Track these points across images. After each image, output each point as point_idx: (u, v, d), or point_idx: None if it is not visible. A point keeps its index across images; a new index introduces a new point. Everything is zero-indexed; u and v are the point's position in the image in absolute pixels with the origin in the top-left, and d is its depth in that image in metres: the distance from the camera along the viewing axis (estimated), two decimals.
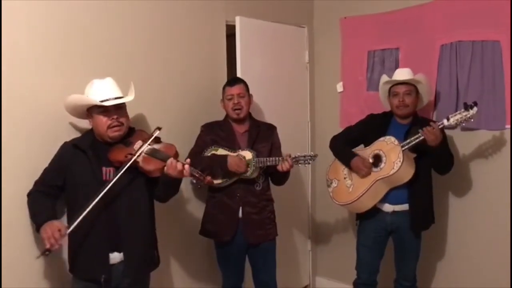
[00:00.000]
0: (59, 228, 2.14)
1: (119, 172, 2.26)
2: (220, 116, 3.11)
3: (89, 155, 2.34)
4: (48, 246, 2.11)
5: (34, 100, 2.43)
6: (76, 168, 2.34)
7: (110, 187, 2.23)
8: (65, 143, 2.43)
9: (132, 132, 2.50)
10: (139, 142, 2.39)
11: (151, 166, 2.33)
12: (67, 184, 2.37)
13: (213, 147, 2.96)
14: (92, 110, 2.38)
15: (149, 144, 2.38)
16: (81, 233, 2.28)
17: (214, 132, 3.01)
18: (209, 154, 2.96)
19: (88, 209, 2.17)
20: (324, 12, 4.08)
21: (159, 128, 2.45)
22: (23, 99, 2.38)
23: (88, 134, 2.46)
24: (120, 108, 2.39)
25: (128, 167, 2.29)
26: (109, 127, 2.35)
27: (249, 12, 3.51)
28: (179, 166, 2.29)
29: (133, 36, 2.88)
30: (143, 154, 2.35)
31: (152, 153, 2.35)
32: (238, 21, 3.42)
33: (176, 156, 2.37)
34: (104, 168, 2.36)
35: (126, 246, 2.36)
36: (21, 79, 2.38)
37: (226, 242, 2.98)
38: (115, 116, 2.35)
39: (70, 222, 2.27)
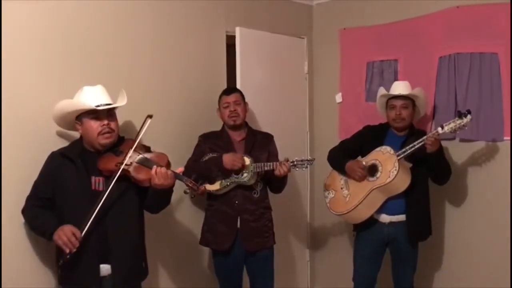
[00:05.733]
0: (73, 232, 2.15)
1: (111, 181, 2.22)
2: (219, 125, 3.14)
3: (78, 164, 2.30)
4: (67, 251, 2.14)
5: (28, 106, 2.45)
6: (64, 177, 2.29)
7: (103, 197, 2.20)
8: (52, 152, 2.38)
9: (121, 141, 2.45)
10: (130, 151, 2.33)
11: (142, 175, 2.28)
12: (55, 194, 2.32)
13: (210, 154, 2.98)
14: (82, 116, 2.33)
15: (140, 153, 2.34)
16: None
17: (212, 141, 3.04)
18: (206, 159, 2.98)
19: (93, 215, 2.16)
20: (324, 23, 4.11)
21: (150, 116, 2.37)
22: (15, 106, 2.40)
23: (77, 143, 2.42)
24: (111, 114, 2.36)
25: (120, 177, 2.25)
26: (99, 133, 2.31)
27: (249, 23, 3.55)
28: (169, 173, 2.24)
29: (135, 45, 2.92)
30: (134, 163, 2.30)
31: (143, 162, 2.30)
32: (238, 32, 3.45)
33: (168, 166, 2.33)
34: (93, 178, 2.31)
35: (113, 258, 2.31)
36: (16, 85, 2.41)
37: (224, 251, 2.98)
38: (106, 122, 2.31)
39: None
